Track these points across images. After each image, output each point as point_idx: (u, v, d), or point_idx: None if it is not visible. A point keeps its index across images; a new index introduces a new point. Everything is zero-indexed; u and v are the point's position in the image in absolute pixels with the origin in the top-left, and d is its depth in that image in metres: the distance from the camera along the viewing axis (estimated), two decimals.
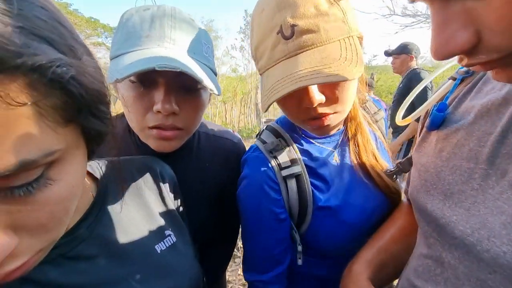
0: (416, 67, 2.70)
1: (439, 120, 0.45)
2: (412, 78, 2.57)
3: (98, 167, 0.48)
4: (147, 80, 0.54)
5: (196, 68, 0.52)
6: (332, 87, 0.52)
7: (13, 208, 0.26)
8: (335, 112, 0.55)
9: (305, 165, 0.64)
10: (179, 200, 0.59)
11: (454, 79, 0.47)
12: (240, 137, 0.80)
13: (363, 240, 0.63)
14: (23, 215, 0.26)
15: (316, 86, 0.51)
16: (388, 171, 0.65)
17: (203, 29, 0.62)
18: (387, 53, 2.87)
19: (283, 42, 0.49)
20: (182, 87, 0.56)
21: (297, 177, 0.62)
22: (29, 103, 0.24)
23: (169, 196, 0.56)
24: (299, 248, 0.63)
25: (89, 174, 0.47)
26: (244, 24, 11.65)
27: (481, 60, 0.25)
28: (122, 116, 0.65)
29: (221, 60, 13.60)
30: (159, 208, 0.53)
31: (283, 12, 0.49)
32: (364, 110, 0.76)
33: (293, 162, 0.63)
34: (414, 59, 2.72)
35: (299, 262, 0.63)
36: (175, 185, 0.59)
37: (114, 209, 0.46)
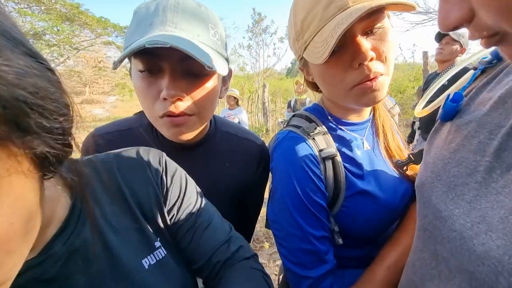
0: (467, 65, 2.33)
1: (452, 110, 0.43)
2: (459, 75, 2.23)
3: (75, 168, 0.41)
4: (154, 68, 0.55)
5: (192, 46, 0.51)
6: (380, 43, 0.55)
7: None
8: (383, 74, 0.57)
9: (338, 149, 0.65)
10: (174, 196, 0.51)
11: (475, 68, 0.46)
12: (263, 140, 0.79)
13: (394, 223, 0.67)
14: None
15: (368, 43, 0.54)
16: (399, 161, 0.68)
17: (213, 14, 0.62)
18: (442, 34, 2.23)
19: (336, 0, 0.52)
20: (189, 73, 0.56)
21: (333, 159, 0.63)
22: None
23: (158, 195, 0.48)
24: (336, 228, 0.62)
25: (64, 180, 0.40)
26: (252, 23, 11.61)
27: (482, 35, 0.28)
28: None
29: (229, 58, 13.60)
30: (145, 213, 0.46)
31: None
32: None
33: (328, 144, 0.64)
34: (465, 53, 2.32)
35: (339, 241, 0.61)
36: (165, 179, 0.50)
37: (95, 220, 0.40)
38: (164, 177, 0.50)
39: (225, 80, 0.68)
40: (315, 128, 0.66)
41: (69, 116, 0.29)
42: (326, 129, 0.67)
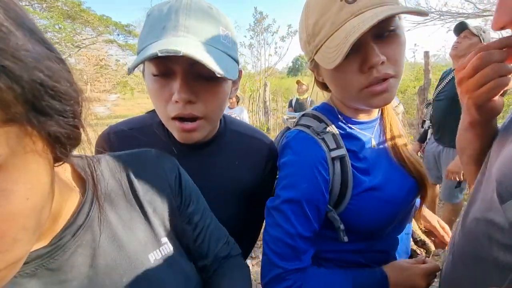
0: None
1: None
2: None
3: (88, 164, 0.43)
4: (167, 71, 0.57)
5: (203, 52, 0.53)
6: (390, 47, 0.57)
7: None
8: (393, 76, 0.58)
9: (347, 148, 0.67)
10: (187, 200, 0.54)
11: None
12: (272, 139, 0.80)
13: (401, 219, 0.70)
14: None
15: (378, 47, 0.56)
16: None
17: (224, 17, 0.63)
18: (461, 27, 2.07)
19: (347, 5, 0.53)
20: (201, 76, 0.57)
21: (342, 159, 0.65)
22: None
23: (170, 196, 0.50)
24: (342, 226, 0.65)
25: (78, 174, 0.42)
26: (254, 22, 11.59)
27: None
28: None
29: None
30: (156, 211, 0.48)
31: None
32: None
33: (337, 145, 0.66)
34: None
35: (345, 239, 0.65)
36: (179, 182, 0.53)
37: (105, 213, 0.41)
38: (178, 180, 0.53)
39: (235, 81, 0.70)
40: (325, 128, 0.67)
41: (78, 100, 0.31)
42: (335, 129, 0.68)
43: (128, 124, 0.73)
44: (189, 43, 0.53)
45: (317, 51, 0.60)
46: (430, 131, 2.39)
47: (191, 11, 0.56)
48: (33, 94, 0.25)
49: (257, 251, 2.42)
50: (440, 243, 0.81)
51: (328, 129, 0.67)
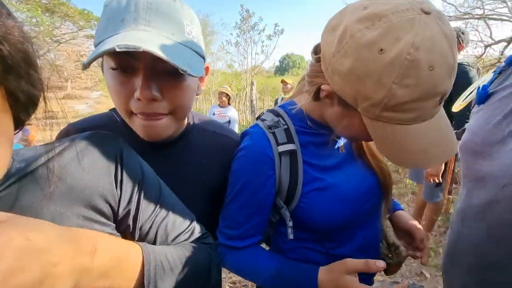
0: (461, 61, 2.01)
1: (483, 96, 0.62)
2: (459, 77, 1.90)
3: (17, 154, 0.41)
4: (128, 66, 0.53)
5: (166, 47, 0.50)
6: None
7: None
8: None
9: (302, 144, 0.66)
10: (133, 188, 0.49)
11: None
12: (239, 135, 0.79)
13: (358, 218, 0.68)
14: None
15: None
16: None
17: (189, 10, 0.60)
18: None
19: (437, 106, 0.51)
20: (165, 72, 0.54)
21: (292, 154, 0.64)
22: None
23: (113, 184, 0.46)
24: (290, 223, 0.66)
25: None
26: (240, 20, 11.55)
27: None
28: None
29: (216, 55, 13.50)
30: (97, 201, 0.44)
31: (452, 77, 0.49)
32: None
33: (289, 139, 0.65)
34: (463, 50, 2.10)
35: (291, 236, 0.66)
36: (120, 171, 0.48)
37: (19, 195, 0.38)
38: (119, 167, 0.48)
39: (202, 76, 0.67)
40: (278, 122, 0.67)
41: (40, 69, 0.34)
42: (291, 124, 0.67)
43: (90, 122, 0.69)
44: (150, 38, 0.50)
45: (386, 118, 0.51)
46: None
47: (153, 3, 0.53)
48: (21, 62, 0.29)
49: None
50: (417, 245, 0.75)
51: (281, 123, 0.67)
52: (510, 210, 0.51)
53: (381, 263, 0.58)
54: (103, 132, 0.50)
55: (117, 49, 0.45)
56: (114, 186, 0.47)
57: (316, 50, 0.59)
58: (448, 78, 0.47)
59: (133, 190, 0.49)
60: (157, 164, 0.57)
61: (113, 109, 0.71)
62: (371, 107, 0.50)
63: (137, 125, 0.58)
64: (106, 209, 0.45)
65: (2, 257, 0.25)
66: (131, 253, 0.43)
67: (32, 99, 0.34)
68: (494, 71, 0.64)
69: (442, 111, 0.54)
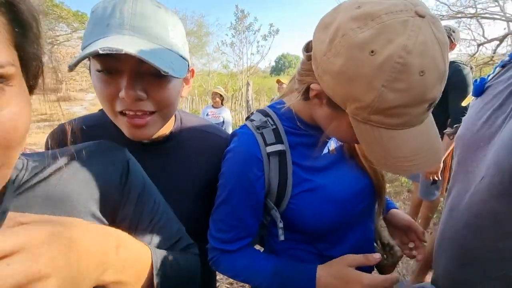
0: (454, 59, 2.08)
1: (479, 88, 0.63)
2: (453, 75, 1.90)
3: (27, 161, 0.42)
4: (112, 68, 0.55)
5: (148, 51, 0.52)
6: None
7: None
8: None
9: (291, 144, 0.65)
10: (131, 195, 0.51)
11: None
12: (228, 133, 0.80)
13: (350, 220, 0.67)
14: None
15: None
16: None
17: (173, 15, 0.62)
18: None
19: (426, 113, 0.50)
20: (149, 74, 0.56)
21: (280, 155, 0.64)
22: None
23: (116, 192, 0.48)
24: (280, 224, 0.65)
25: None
26: (235, 20, 11.55)
27: None
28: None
29: (212, 56, 13.48)
30: (100, 206, 0.46)
31: (442, 84, 0.48)
32: None
33: (278, 140, 0.64)
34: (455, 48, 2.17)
35: (282, 237, 0.65)
36: (125, 177, 0.50)
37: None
38: (124, 175, 0.49)
39: (186, 78, 0.69)
40: (266, 122, 0.66)
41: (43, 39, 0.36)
42: (280, 124, 0.66)
43: (80, 122, 0.70)
44: (134, 41, 0.52)
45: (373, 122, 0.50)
46: None
47: (137, 10, 0.55)
48: (35, 26, 0.32)
49: None
50: (415, 241, 0.76)
51: (270, 123, 0.66)
52: (483, 201, 0.53)
53: (377, 255, 0.60)
54: (109, 142, 0.52)
55: (100, 51, 0.47)
56: (121, 197, 0.49)
57: (308, 48, 0.57)
58: (439, 84, 0.47)
59: (137, 199, 0.51)
60: (146, 163, 0.58)
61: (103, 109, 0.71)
62: (360, 110, 0.49)
63: (123, 124, 0.60)
64: (107, 218, 0.47)
65: (49, 248, 0.28)
66: (143, 254, 0.45)
67: (37, 69, 0.35)
68: (496, 65, 0.64)
69: (430, 117, 0.53)
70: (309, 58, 0.55)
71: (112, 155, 0.50)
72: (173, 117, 0.72)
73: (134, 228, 0.50)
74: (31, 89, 0.36)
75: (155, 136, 0.66)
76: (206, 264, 0.84)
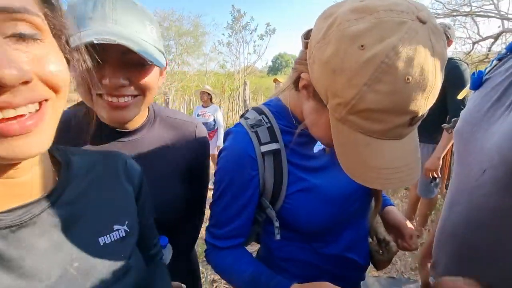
0: (452, 57, 2.06)
1: (477, 82, 0.63)
2: (450, 71, 1.89)
3: (64, 153, 0.47)
4: (96, 59, 0.57)
5: (135, 42, 0.56)
6: None
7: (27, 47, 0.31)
8: None
9: (287, 143, 0.65)
10: (143, 196, 0.57)
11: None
12: (199, 121, 0.85)
13: (344, 219, 0.67)
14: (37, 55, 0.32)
15: None
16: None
17: (149, 12, 0.66)
18: None
19: (406, 128, 0.47)
20: (132, 65, 0.59)
21: (275, 154, 0.63)
22: None
23: (130, 190, 0.54)
24: (277, 223, 0.66)
25: (54, 158, 0.45)
26: (232, 20, 11.53)
27: None
28: (81, 103, 0.67)
29: (208, 56, 13.44)
30: (117, 201, 0.50)
31: (427, 100, 0.44)
32: None
33: (272, 138, 0.63)
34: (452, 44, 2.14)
35: (278, 237, 0.66)
36: (141, 180, 0.56)
37: (72, 197, 0.44)
38: (138, 178, 0.56)
39: (161, 70, 0.72)
40: (261, 121, 0.65)
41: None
42: (275, 122, 0.66)
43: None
44: (120, 33, 0.56)
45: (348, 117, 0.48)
46: None
47: (117, 6, 0.59)
48: None
49: None
50: (407, 242, 0.75)
51: (265, 122, 0.65)
52: (487, 194, 0.52)
53: None
54: (113, 151, 0.56)
55: (95, 41, 0.49)
56: (136, 209, 0.53)
57: (307, 35, 0.56)
58: (424, 99, 0.43)
59: (142, 206, 0.56)
60: (124, 151, 0.59)
61: (74, 106, 0.73)
62: (339, 107, 0.47)
63: (102, 106, 0.60)
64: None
65: None
66: None
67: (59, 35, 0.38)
68: (493, 58, 0.64)
69: (414, 133, 0.51)
70: (306, 46, 0.53)
71: (132, 165, 0.56)
72: (146, 108, 0.74)
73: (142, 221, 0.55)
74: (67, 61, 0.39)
75: (129, 125, 0.68)
76: (187, 243, 0.90)
